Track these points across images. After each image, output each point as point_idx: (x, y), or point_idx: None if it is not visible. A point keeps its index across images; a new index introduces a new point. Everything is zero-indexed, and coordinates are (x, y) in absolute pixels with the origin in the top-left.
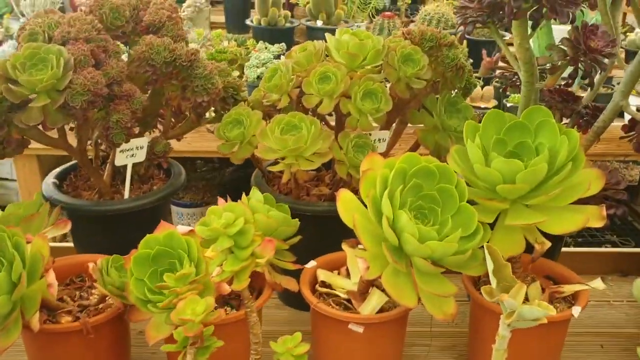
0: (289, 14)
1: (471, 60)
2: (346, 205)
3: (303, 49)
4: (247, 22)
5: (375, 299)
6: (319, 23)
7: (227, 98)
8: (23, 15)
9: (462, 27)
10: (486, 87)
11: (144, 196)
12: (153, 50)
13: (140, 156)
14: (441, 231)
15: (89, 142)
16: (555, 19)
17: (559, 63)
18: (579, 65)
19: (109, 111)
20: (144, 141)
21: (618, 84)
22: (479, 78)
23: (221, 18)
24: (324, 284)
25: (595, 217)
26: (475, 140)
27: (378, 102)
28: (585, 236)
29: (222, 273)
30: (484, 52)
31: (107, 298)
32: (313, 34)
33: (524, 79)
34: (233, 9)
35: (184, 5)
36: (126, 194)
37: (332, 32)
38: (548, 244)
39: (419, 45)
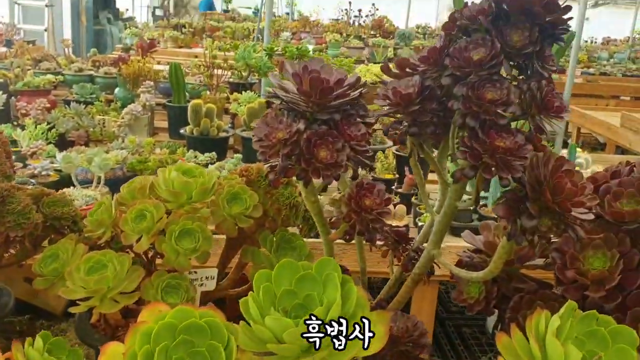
0: (223, 124)
1: (397, 175)
2: None
3: (130, 184)
4: (181, 131)
5: None
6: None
7: (62, 229)
8: None
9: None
10: (399, 205)
11: None
12: None
13: None
14: None
15: None
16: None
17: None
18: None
19: None
20: None
21: None
22: (397, 194)
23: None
24: None
25: None
26: (259, 292)
27: (196, 242)
28: None
29: None
30: (406, 168)
31: None
32: (247, 143)
33: (319, 229)
34: (174, 116)
35: (123, 112)
36: None
37: None
38: None
39: (255, 183)
